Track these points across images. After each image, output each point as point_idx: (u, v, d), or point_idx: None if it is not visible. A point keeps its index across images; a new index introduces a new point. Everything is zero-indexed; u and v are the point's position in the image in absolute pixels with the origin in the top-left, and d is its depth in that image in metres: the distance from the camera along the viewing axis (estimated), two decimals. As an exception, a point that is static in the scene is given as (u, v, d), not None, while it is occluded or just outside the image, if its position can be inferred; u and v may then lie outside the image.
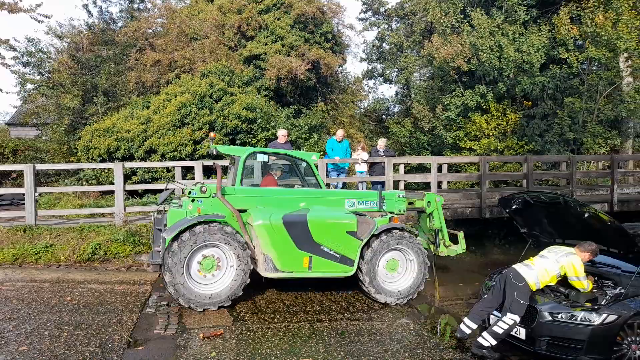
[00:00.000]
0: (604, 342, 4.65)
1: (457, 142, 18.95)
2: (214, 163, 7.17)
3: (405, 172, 12.42)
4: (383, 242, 6.73)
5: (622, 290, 4.98)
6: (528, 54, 16.27)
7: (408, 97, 28.37)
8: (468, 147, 18.44)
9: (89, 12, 20.47)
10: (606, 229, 5.19)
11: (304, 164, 7.38)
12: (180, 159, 12.01)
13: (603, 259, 5.74)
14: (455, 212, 11.64)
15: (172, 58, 16.58)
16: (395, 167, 14.42)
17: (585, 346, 4.66)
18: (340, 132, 11.56)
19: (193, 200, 6.53)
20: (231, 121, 12.71)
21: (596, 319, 4.68)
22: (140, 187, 11.04)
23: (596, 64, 16.94)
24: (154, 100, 13.80)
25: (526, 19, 17.11)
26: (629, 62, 16.27)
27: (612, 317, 4.66)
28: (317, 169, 7.85)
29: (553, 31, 16.57)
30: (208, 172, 12.04)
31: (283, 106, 16.60)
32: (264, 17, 18.25)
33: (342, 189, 11.22)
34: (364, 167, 11.43)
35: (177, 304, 6.34)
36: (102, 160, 12.45)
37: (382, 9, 29.44)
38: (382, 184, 11.14)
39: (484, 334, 5.06)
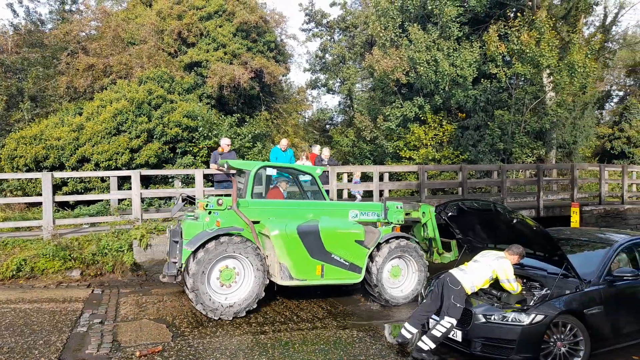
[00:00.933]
0: (532, 341, 4.94)
1: (398, 151, 19.58)
2: (230, 177, 7.35)
3: (348, 181, 12.64)
4: (391, 250, 7.24)
5: (548, 291, 5.32)
6: (461, 69, 17.20)
7: (351, 108, 28.98)
8: (408, 156, 19.10)
9: (14, 11, 19.24)
10: (532, 233, 5.54)
11: (309, 177, 7.85)
12: (116, 168, 11.47)
13: (530, 262, 6.12)
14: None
15: (107, 63, 15.87)
16: (339, 176, 14.64)
17: (516, 345, 4.93)
18: (284, 141, 11.56)
19: (210, 213, 6.64)
20: (171, 129, 12.33)
21: (525, 319, 4.97)
22: (71, 198, 10.40)
23: (522, 79, 18.20)
24: (87, 107, 13.12)
25: (459, 35, 18.10)
26: (551, 78, 17.63)
27: (539, 317, 4.97)
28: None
29: (484, 47, 17.64)
30: (146, 182, 11.59)
31: (226, 114, 16.36)
32: (205, 24, 17.96)
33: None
34: (307, 177, 11.50)
35: (111, 322, 6.01)
36: (29, 170, 11.63)
37: (324, 21, 29.99)
38: (326, 192, 11.25)
39: (424, 338, 5.22)
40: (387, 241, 7.26)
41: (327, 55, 29.81)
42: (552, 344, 5.03)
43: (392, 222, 7.89)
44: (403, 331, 5.54)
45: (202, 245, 6.20)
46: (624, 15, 37.15)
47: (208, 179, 12.54)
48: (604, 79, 30.14)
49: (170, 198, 11.53)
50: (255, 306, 6.50)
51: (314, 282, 6.78)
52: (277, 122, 20.75)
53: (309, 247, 6.65)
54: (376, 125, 20.45)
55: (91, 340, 5.44)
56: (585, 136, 21.18)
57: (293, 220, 6.83)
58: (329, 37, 30.29)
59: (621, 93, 34.67)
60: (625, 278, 5.58)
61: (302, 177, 8.05)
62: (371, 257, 7.15)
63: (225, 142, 10.12)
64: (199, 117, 13.12)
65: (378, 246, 7.21)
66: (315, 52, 30.46)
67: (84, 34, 17.94)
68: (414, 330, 5.49)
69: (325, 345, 5.52)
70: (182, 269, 6.45)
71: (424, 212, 8.31)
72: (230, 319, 6.30)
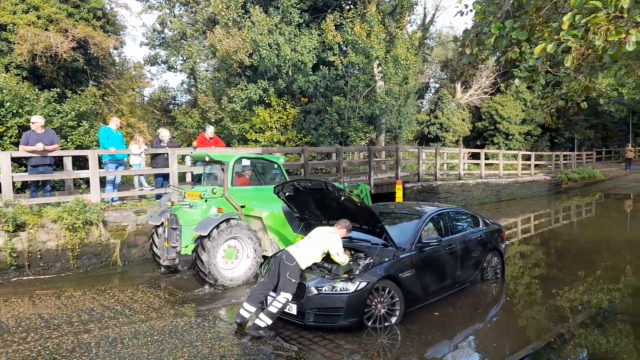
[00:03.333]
0: (357, 306, 5.45)
1: (244, 134, 19.51)
2: (222, 168, 8.06)
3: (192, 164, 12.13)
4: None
5: (371, 260, 5.90)
6: (302, 54, 17.79)
7: (195, 87, 27.76)
8: (254, 138, 19.17)
9: None
10: (357, 209, 6.06)
11: (275, 165, 8.91)
12: None
13: (357, 235, 6.71)
14: (240, 202, 11.95)
15: None
16: (181, 158, 13.95)
17: (344, 312, 5.38)
18: (116, 121, 10.53)
19: (206, 201, 7.60)
20: (-35, 103, 10.19)
21: (351, 287, 5.44)
22: None
23: (357, 68, 19.66)
24: None
25: (300, 21, 18.65)
26: (380, 68, 19.40)
27: (363, 284, 5.49)
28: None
29: (322, 35, 18.51)
30: None
31: (42, 89, 14.14)
32: (11, -21, 15.15)
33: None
34: (138, 160, 10.72)
35: None
36: None
37: (163, -8, 27.91)
38: (166, 176, 10.64)
39: (261, 315, 5.34)
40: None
41: (166, 30, 27.89)
42: (373, 307, 5.61)
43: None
44: (242, 311, 5.58)
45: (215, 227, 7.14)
46: (439, 16, 42.69)
47: (21, 162, 10.78)
48: (423, 72, 34.41)
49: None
50: (253, 280, 7.41)
51: None
52: (109, 100, 18.77)
53: (291, 223, 7.87)
54: (221, 107, 19.99)
55: None
56: (408, 122, 23.94)
57: (271, 202, 7.91)
58: (168, 11, 28.32)
59: (437, 85, 40.10)
60: (431, 244, 6.49)
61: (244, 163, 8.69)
62: None
63: (37, 122, 8.77)
64: (4, 91, 11.10)
65: None
66: (152, 26, 28.20)
67: None
68: (253, 309, 5.58)
69: (159, 336, 5.25)
70: (193, 251, 7.36)
71: (361, 190, 9.99)
72: (235, 285, 7.35)
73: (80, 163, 12.45)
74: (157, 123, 25.64)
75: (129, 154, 10.86)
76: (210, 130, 11.88)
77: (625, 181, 27.48)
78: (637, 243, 11.40)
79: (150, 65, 28.72)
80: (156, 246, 8.17)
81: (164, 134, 11.27)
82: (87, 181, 10.06)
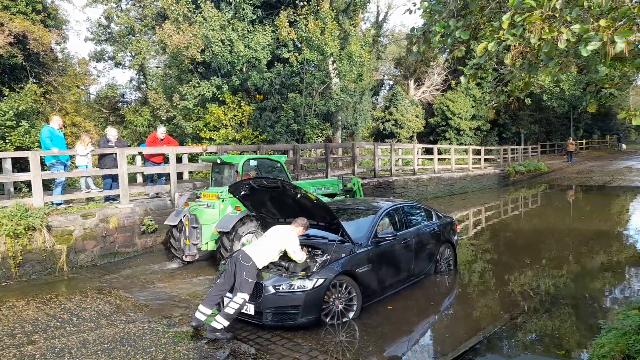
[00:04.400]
0: (315, 303, 5.45)
1: (198, 132, 19.06)
2: (236, 171, 8.81)
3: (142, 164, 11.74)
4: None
5: (328, 257, 5.92)
6: (256, 51, 17.58)
7: (145, 84, 26.83)
8: (208, 137, 18.77)
9: None
10: (314, 206, 6.06)
11: (278, 164, 9.74)
12: None
13: (314, 232, 6.71)
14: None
15: None
16: (131, 158, 13.46)
17: (302, 310, 5.37)
18: (58, 120, 9.99)
19: (223, 200, 8.47)
20: None
21: (309, 285, 5.44)
22: None
23: (312, 65, 19.65)
24: None
25: (253, 18, 18.41)
26: (335, 65, 19.50)
27: (320, 281, 5.50)
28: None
29: (276, 32, 18.35)
30: None
31: (-24, 86, 13.23)
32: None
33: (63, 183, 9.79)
34: (85, 161, 10.24)
35: None
36: None
37: (109, -15, 26.73)
38: (115, 177, 10.23)
39: (217, 317, 5.23)
40: None
41: (112, 25, 26.74)
42: (331, 303, 5.64)
43: (338, 193, 10.69)
44: (197, 314, 5.45)
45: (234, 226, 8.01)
46: (392, 14, 43.58)
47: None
48: (378, 69, 34.93)
49: None
50: None
51: None
52: (52, 98, 17.79)
53: None
54: (173, 105, 19.42)
55: None
56: (364, 119, 24.24)
57: None
58: (114, 5, 27.15)
59: (391, 82, 40.82)
60: (387, 239, 6.61)
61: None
62: None
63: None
64: None
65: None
66: (98, 21, 26.96)
67: None
68: (209, 312, 5.46)
69: (110, 344, 5.04)
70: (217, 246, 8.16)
71: (354, 183, 11.22)
72: None
73: (21, 165, 11.75)
74: (105, 122, 24.58)
75: (72, 155, 10.36)
76: (161, 131, 11.53)
77: (567, 173, 29.10)
78: (578, 231, 12.10)
79: (97, 62, 27.52)
80: (172, 244, 8.95)
81: (112, 133, 10.81)
82: (29, 184, 9.51)
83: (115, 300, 6.67)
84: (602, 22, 2.69)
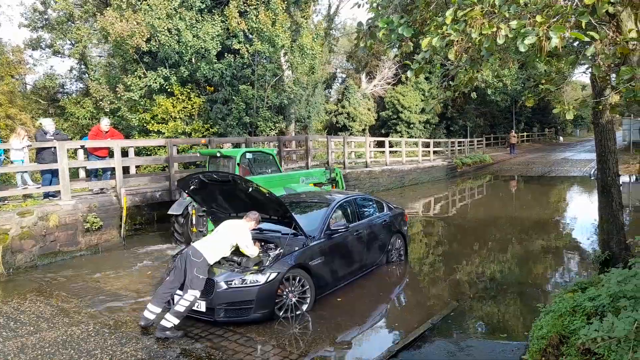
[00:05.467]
0: (268, 297, 5.42)
1: (145, 125, 18.34)
2: (237, 164, 9.50)
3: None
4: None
5: (281, 250, 5.90)
6: (204, 41, 17.11)
7: (87, 74, 25.43)
8: (156, 130, 18.13)
9: None
10: (266, 200, 6.00)
11: (270, 157, 10.72)
12: None
13: (267, 226, 6.66)
14: (145, 196, 11.31)
15: None
16: (72, 152, 12.79)
17: (255, 304, 5.33)
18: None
19: None
20: None
21: (262, 279, 5.40)
22: None
23: (264, 56, 19.39)
24: None
25: (202, 7, 17.87)
26: (287, 57, 19.37)
27: (273, 275, 5.47)
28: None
29: (226, 22, 17.93)
30: None
31: None
32: None
33: None
34: (21, 155, 9.62)
35: None
36: None
37: (43, -32, 25.01)
38: (54, 172, 9.67)
39: (167, 315, 5.09)
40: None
41: (50, 11, 25.09)
42: (285, 296, 5.63)
43: (324, 183, 11.38)
44: (146, 313, 5.29)
45: None
46: (343, 7, 43.72)
47: None
48: (330, 63, 35.04)
49: None
50: None
51: None
52: (-18, 88, 16.52)
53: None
54: (117, 96, 18.55)
55: None
56: (317, 112, 24.28)
57: (276, 188, 8.89)
58: (52, -11, 25.45)
59: (343, 75, 41.08)
60: (339, 231, 6.67)
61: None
62: None
63: None
64: None
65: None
66: (33, 6, 25.20)
67: None
68: (158, 310, 5.30)
69: (51, 347, 4.78)
70: None
71: (337, 173, 11.95)
72: None
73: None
74: (43, 114, 23.11)
75: (6, 150, 9.70)
76: (105, 123, 11.01)
77: (509, 164, 30.57)
78: (520, 219, 12.75)
79: (32, 50, 25.69)
80: (177, 230, 9.48)
81: (47, 124, 10.19)
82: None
83: (56, 302, 6.34)
84: (538, 18, 2.82)
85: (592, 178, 19.57)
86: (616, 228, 7.07)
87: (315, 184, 11.04)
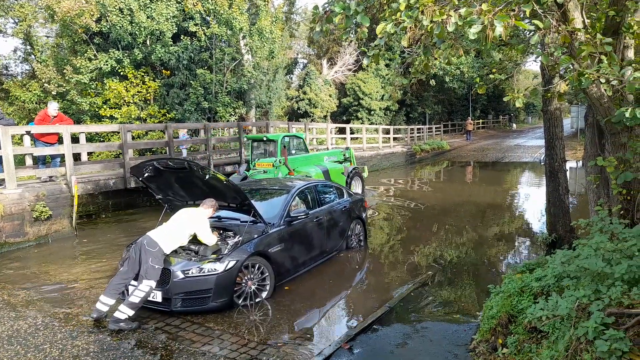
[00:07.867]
0: (227, 286, 5.36)
1: (97, 109, 17.55)
2: (283, 146, 11.64)
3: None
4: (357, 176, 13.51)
5: (240, 238, 5.83)
6: (159, 22, 16.47)
7: (33, 56, 23.97)
8: (109, 115, 17.39)
9: None
10: (224, 187, 5.89)
11: (301, 140, 13.18)
12: None
13: (226, 214, 6.57)
14: (98, 184, 10.90)
15: None
16: (18, 138, 12.10)
17: (213, 293, 5.26)
18: None
19: (277, 168, 10.92)
20: None
21: (220, 267, 5.32)
22: None
23: (222, 40, 18.91)
24: None
25: (155, -14, 17.15)
26: (245, 41, 18.96)
27: (232, 263, 5.41)
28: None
29: (182, 3, 17.31)
30: None
31: None
32: None
33: None
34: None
35: None
36: None
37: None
38: (-3, 160, 9.12)
39: (121, 307, 4.94)
40: (352, 170, 13.20)
41: (-11, -14, 23.38)
42: (244, 284, 5.58)
43: (341, 161, 13.42)
44: (98, 305, 5.12)
45: None
46: (304, -8, 43.06)
47: None
48: (292, 48, 34.65)
49: None
50: None
51: None
52: None
53: (326, 178, 11.45)
54: (65, 79, 17.61)
55: None
56: (278, 97, 24.01)
57: (309, 165, 11.84)
58: (-9, -37, 23.67)
59: (305, 61, 40.75)
60: (299, 217, 6.66)
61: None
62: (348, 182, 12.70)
63: None
64: None
65: (349, 174, 12.99)
66: (-30, -21, 23.38)
67: None
68: (111, 302, 5.14)
69: (-5, 345, 4.55)
70: None
71: (350, 153, 13.97)
72: None
73: None
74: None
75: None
76: (53, 107, 10.45)
77: (466, 150, 31.48)
78: (475, 204, 13.19)
79: (-29, 28, 23.95)
80: None
81: (-9, 109, 9.58)
82: None
83: (1, 296, 6.02)
84: (484, 6, 2.88)
85: (542, 164, 20.48)
86: (562, 211, 7.44)
87: (335, 162, 13.30)
